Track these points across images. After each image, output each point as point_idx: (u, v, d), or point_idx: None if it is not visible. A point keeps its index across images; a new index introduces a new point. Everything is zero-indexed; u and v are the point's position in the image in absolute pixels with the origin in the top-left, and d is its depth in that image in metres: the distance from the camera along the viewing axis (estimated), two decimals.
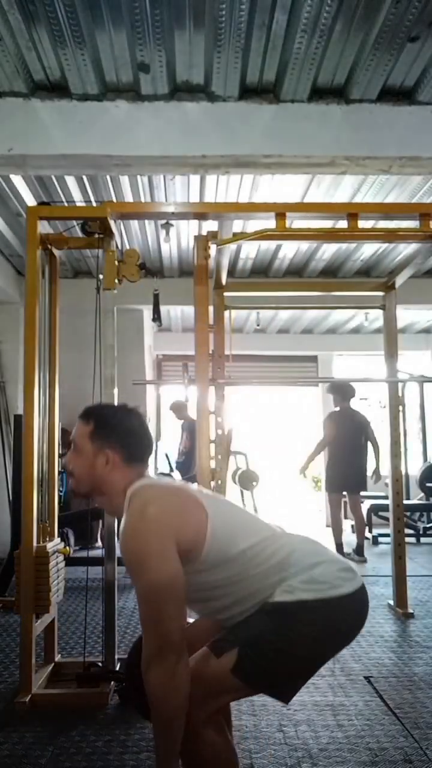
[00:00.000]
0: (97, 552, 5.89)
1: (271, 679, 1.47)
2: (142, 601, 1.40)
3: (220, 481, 3.46)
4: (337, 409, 6.02)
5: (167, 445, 7.42)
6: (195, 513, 1.49)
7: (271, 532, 1.59)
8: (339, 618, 1.49)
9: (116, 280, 2.90)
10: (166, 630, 1.35)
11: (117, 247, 3.00)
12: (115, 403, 1.74)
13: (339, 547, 5.78)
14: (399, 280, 4.05)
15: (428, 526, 7.06)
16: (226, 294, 4.04)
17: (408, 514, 6.93)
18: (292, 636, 1.44)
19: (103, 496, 1.61)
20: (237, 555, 1.48)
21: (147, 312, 6.48)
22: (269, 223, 3.06)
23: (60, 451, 3.16)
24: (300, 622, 1.44)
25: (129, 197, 4.58)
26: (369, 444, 5.93)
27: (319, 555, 1.55)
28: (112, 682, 2.75)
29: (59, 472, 3.16)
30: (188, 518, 1.47)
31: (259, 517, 1.66)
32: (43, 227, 2.96)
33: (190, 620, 1.78)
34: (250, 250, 5.92)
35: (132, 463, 1.61)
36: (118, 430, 1.62)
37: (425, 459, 8.29)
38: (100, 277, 2.95)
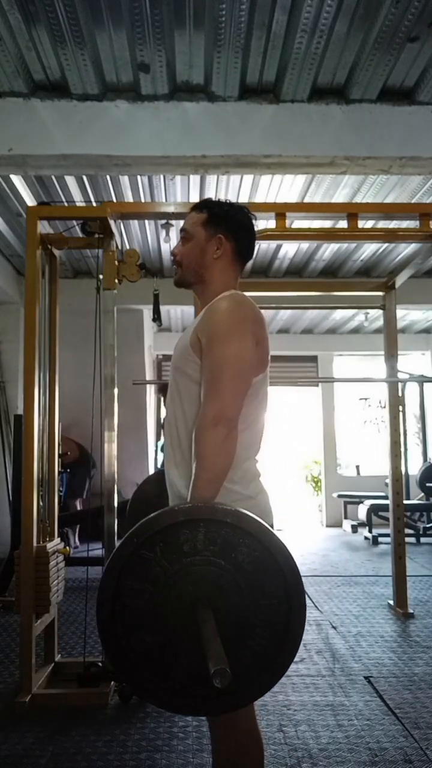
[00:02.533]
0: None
1: None
2: (214, 370, 1.41)
3: None
4: None
5: None
6: (266, 350, 1.52)
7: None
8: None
9: (116, 280, 2.90)
10: (225, 403, 1.37)
11: (117, 247, 3.00)
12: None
13: None
14: (399, 280, 4.05)
15: (428, 526, 7.06)
16: None
17: (408, 514, 6.93)
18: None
19: (204, 284, 1.63)
20: (255, 416, 1.51)
21: (147, 312, 6.49)
22: (269, 223, 3.06)
23: (60, 452, 3.16)
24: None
25: (129, 197, 4.59)
26: None
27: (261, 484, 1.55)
28: (112, 682, 2.75)
29: (59, 472, 3.16)
30: (264, 344, 1.50)
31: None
32: (43, 227, 2.96)
33: None
34: None
35: (238, 259, 1.65)
36: (232, 221, 1.64)
37: (425, 459, 8.29)
38: (100, 277, 2.95)
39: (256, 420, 1.52)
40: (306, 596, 1.23)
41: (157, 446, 7.34)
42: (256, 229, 1.72)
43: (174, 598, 1.20)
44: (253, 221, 1.70)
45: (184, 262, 1.64)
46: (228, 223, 1.62)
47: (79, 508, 6.36)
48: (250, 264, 6.21)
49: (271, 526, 1.47)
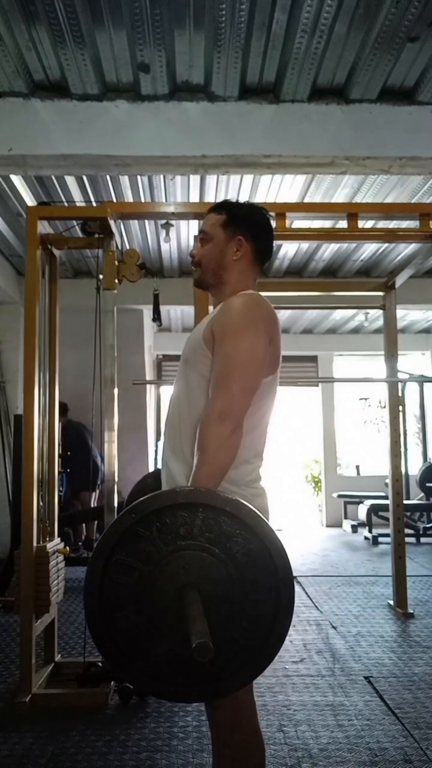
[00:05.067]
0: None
1: None
2: (224, 365, 1.40)
3: None
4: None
5: None
6: (278, 352, 1.52)
7: (266, 438, 1.59)
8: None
9: (116, 280, 2.90)
10: (234, 398, 1.36)
11: (117, 247, 3.00)
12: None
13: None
14: (399, 280, 4.05)
15: (428, 526, 7.06)
16: None
17: (408, 514, 6.93)
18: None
19: (222, 285, 1.62)
20: (260, 418, 1.50)
21: (147, 312, 6.48)
22: None
23: (60, 451, 3.16)
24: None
25: (129, 197, 4.58)
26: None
27: (262, 488, 1.54)
28: (112, 682, 2.75)
29: (59, 472, 3.16)
30: (277, 346, 1.50)
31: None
32: (43, 227, 2.96)
33: None
34: None
35: (257, 260, 1.64)
36: (252, 222, 1.63)
37: (425, 459, 8.29)
38: (100, 277, 2.95)
39: (260, 422, 1.51)
40: (295, 595, 1.23)
41: (157, 446, 7.34)
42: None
43: (164, 579, 1.20)
44: (272, 225, 1.69)
45: (204, 263, 1.63)
46: (248, 225, 1.62)
47: (91, 503, 6.21)
48: None
49: None
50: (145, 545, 1.20)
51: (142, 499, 1.24)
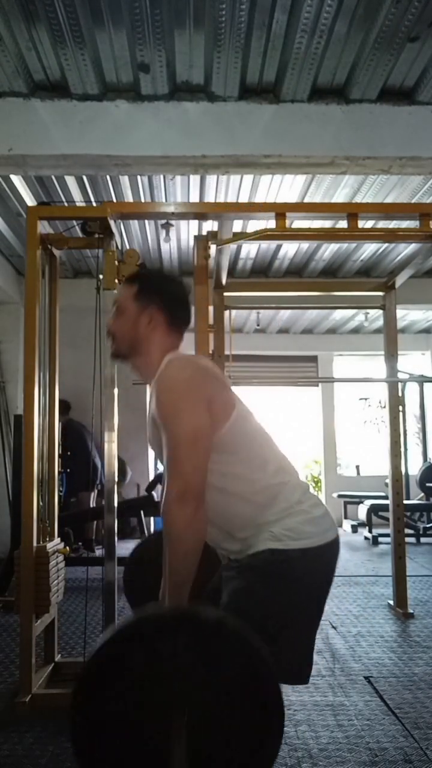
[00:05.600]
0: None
1: (282, 656, 1.43)
2: (171, 447, 1.42)
3: None
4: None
5: None
6: (226, 391, 1.53)
7: (276, 451, 1.61)
8: (320, 568, 1.52)
9: (116, 280, 2.90)
10: (189, 477, 1.38)
11: (117, 247, 3.00)
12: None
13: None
14: (399, 280, 4.05)
15: (428, 526, 7.06)
16: (226, 294, 4.04)
17: (408, 514, 6.93)
18: (282, 599, 1.45)
19: (140, 357, 1.64)
20: (248, 453, 1.52)
21: None
22: (269, 223, 3.06)
23: (60, 452, 3.16)
24: (285, 581, 1.46)
25: (129, 197, 4.59)
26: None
27: (305, 498, 1.56)
28: None
29: (59, 472, 3.16)
30: (220, 390, 1.51)
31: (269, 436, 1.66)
32: (43, 227, 2.96)
33: None
34: (250, 250, 5.93)
35: (172, 327, 1.65)
36: (162, 293, 1.65)
37: (425, 459, 8.29)
38: (100, 277, 2.95)
39: (260, 449, 1.54)
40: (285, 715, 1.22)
41: None
42: (190, 296, 1.73)
43: (150, 703, 1.18)
44: (187, 291, 1.72)
45: (117, 336, 1.66)
46: (159, 296, 1.64)
47: (90, 503, 6.18)
48: (250, 264, 6.26)
49: (328, 538, 1.52)
50: (130, 670, 1.18)
51: (125, 622, 1.24)
